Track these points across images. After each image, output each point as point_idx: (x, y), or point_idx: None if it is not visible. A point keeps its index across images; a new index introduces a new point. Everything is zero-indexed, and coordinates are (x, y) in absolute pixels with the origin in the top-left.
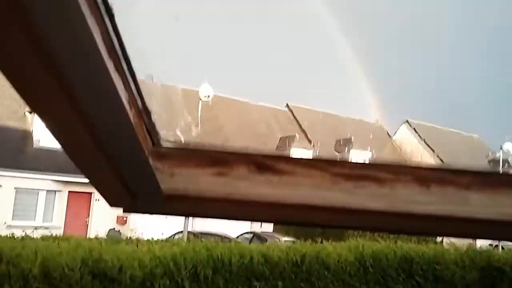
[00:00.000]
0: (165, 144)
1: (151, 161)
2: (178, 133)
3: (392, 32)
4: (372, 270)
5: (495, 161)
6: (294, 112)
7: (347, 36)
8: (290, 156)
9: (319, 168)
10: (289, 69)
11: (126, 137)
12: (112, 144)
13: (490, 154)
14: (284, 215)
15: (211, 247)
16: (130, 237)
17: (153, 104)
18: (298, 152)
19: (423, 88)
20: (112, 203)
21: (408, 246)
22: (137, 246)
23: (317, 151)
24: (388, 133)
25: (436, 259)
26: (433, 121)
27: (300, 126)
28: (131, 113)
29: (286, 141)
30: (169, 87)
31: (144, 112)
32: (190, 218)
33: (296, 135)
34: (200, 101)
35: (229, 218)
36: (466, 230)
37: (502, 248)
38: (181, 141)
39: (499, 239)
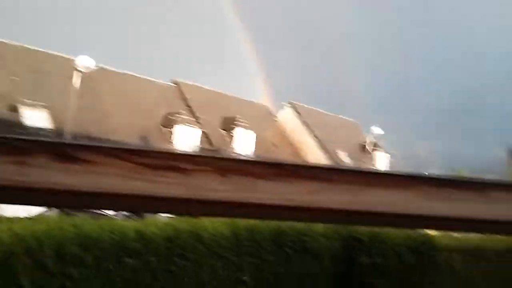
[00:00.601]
0: None
1: None
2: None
3: (278, 18)
4: (246, 243)
5: (366, 143)
6: (181, 88)
7: (241, 19)
8: (92, 145)
9: (122, 157)
10: (178, 46)
11: None
12: None
13: (362, 137)
14: (89, 203)
15: (80, 224)
16: None
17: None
18: (184, 129)
19: (309, 73)
20: None
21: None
22: None
23: (203, 129)
24: (272, 113)
25: (305, 232)
26: (316, 105)
27: (186, 102)
28: None
29: (171, 117)
30: (41, 53)
31: None
32: None
33: (182, 111)
34: (78, 71)
35: (28, 205)
36: (256, 214)
37: None
38: None
39: (285, 220)
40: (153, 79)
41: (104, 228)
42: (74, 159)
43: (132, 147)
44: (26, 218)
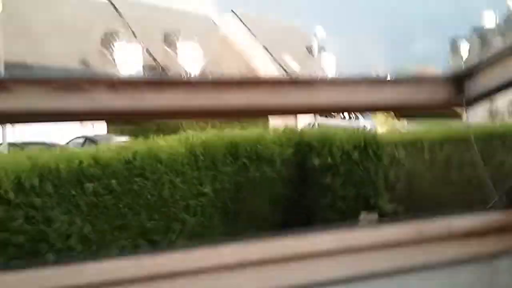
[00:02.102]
0: None
1: None
2: None
3: None
4: (202, 157)
5: (311, 47)
6: (116, 5)
7: None
8: (13, 77)
9: (37, 84)
10: None
11: None
12: None
13: (307, 41)
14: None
15: (34, 156)
16: None
17: None
18: (125, 48)
19: None
20: None
21: (233, 132)
22: None
23: (145, 46)
24: (215, 24)
25: (258, 141)
26: (259, 12)
27: (123, 19)
28: None
29: (110, 36)
30: None
31: None
32: (10, 128)
33: (120, 30)
34: None
35: None
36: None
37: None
38: None
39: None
40: None
41: (59, 157)
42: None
43: (44, 77)
44: None
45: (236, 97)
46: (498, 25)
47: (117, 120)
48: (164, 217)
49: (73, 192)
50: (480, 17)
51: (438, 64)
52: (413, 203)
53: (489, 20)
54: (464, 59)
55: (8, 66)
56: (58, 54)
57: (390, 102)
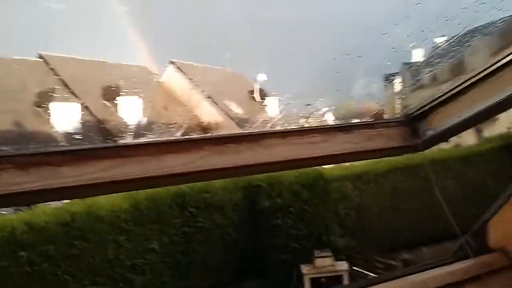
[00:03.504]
0: None
1: None
2: None
3: None
4: (146, 211)
5: (254, 92)
6: (49, 62)
7: None
8: None
9: None
10: (41, 15)
11: None
12: None
13: (250, 86)
14: None
15: None
16: None
17: None
18: (61, 106)
19: (186, 29)
20: None
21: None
22: None
23: (83, 102)
24: (156, 75)
25: (205, 189)
26: (198, 60)
27: (58, 77)
28: None
29: (46, 95)
30: None
31: None
32: None
33: (56, 87)
34: None
35: None
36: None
37: None
38: None
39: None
40: (16, 57)
41: None
42: None
43: None
44: None
45: (174, 161)
46: (426, 59)
47: (23, 204)
48: (109, 280)
49: (6, 263)
50: (410, 54)
51: (375, 99)
52: (364, 236)
53: (418, 55)
54: (397, 91)
55: None
56: None
57: (345, 152)
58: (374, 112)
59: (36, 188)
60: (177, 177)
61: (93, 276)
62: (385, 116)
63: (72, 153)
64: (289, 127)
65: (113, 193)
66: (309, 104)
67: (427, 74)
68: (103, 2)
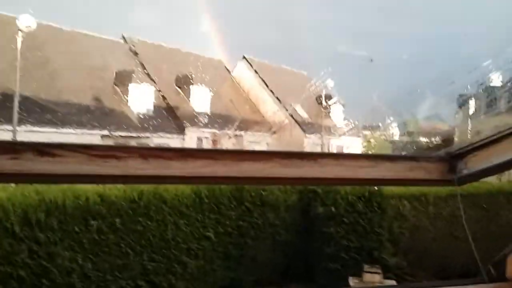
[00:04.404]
0: None
1: None
2: None
3: None
4: (207, 200)
5: (320, 96)
6: (132, 45)
7: None
8: (60, 143)
9: (79, 151)
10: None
11: None
12: None
13: (316, 89)
14: (59, 181)
15: (42, 190)
16: None
17: None
18: (138, 87)
19: (263, 27)
20: None
21: None
22: None
23: (158, 87)
24: (227, 69)
25: (263, 187)
26: (269, 58)
27: (138, 59)
28: None
29: (124, 75)
30: None
31: None
32: None
33: (134, 69)
34: (20, 31)
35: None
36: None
37: None
38: None
39: (188, 184)
40: (102, 36)
41: (67, 193)
42: (49, 154)
43: (86, 144)
44: None
45: (251, 167)
46: (503, 84)
47: (145, 183)
48: (165, 259)
49: (77, 229)
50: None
51: (446, 120)
52: (416, 258)
53: (496, 80)
54: (471, 115)
55: (22, 99)
56: (72, 90)
57: (387, 178)
58: (442, 132)
59: (152, 174)
60: (251, 180)
61: (152, 253)
62: (455, 139)
63: (178, 151)
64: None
65: (202, 184)
66: (377, 122)
67: (506, 101)
68: None
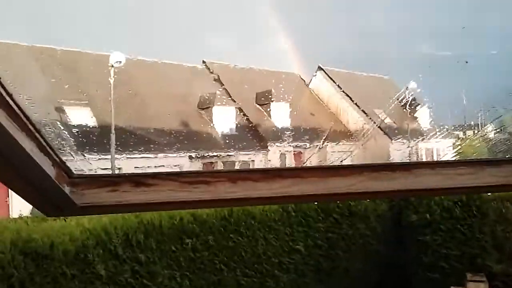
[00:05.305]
0: (76, 174)
1: (67, 187)
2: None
3: None
4: (294, 214)
5: (404, 100)
6: (211, 69)
7: None
8: (153, 173)
9: (171, 179)
10: (199, 27)
11: (47, 177)
12: (38, 181)
13: (399, 94)
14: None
15: (140, 213)
16: None
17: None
18: (221, 109)
19: (334, 35)
20: (47, 214)
21: None
22: (65, 220)
23: (239, 106)
24: (304, 82)
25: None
26: (347, 68)
27: (220, 82)
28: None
29: (207, 99)
30: (75, 52)
31: (62, 165)
32: None
33: (217, 91)
34: (112, 68)
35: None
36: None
37: None
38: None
39: (275, 204)
40: (182, 63)
41: (162, 214)
42: (144, 184)
43: (177, 172)
44: None
45: (338, 183)
46: None
47: (234, 206)
48: (258, 274)
49: (174, 248)
50: None
51: None
52: None
53: None
54: None
55: (117, 129)
56: (160, 116)
57: (491, 185)
58: None
59: (241, 196)
60: (339, 196)
61: (244, 269)
62: None
63: (265, 172)
64: (440, 157)
65: (290, 203)
66: (469, 122)
67: None
68: (254, 10)
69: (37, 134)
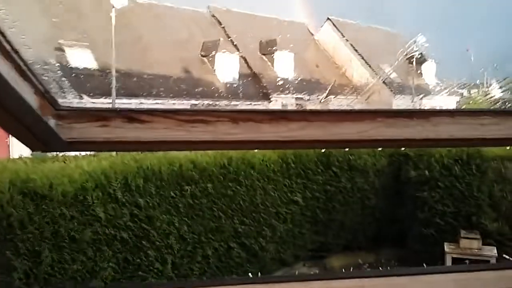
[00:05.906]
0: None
1: (52, 119)
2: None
3: None
4: (293, 165)
5: (411, 54)
6: (215, 15)
7: None
8: (148, 109)
9: (168, 116)
10: None
11: (28, 107)
12: (18, 111)
13: (406, 47)
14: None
15: (140, 158)
16: (56, 154)
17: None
18: (223, 56)
19: None
20: (31, 148)
21: None
22: (64, 162)
23: (242, 54)
24: (311, 32)
25: (350, 151)
26: (353, 17)
27: (223, 29)
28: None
29: (210, 45)
30: None
31: (47, 94)
32: None
33: (220, 39)
34: (113, 8)
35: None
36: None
37: None
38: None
39: (281, 149)
40: (187, 8)
41: (162, 160)
42: (138, 120)
43: (174, 109)
44: (91, 155)
45: (349, 129)
46: None
47: (236, 149)
48: (255, 222)
49: (173, 194)
50: None
51: None
52: None
53: None
54: None
55: (118, 74)
56: (162, 62)
57: None
58: None
59: (242, 139)
60: (350, 143)
61: (242, 217)
62: None
63: (270, 113)
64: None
65: (296, 149)
66: (475, 80)
67: None
68: None
69: (14, 55)
